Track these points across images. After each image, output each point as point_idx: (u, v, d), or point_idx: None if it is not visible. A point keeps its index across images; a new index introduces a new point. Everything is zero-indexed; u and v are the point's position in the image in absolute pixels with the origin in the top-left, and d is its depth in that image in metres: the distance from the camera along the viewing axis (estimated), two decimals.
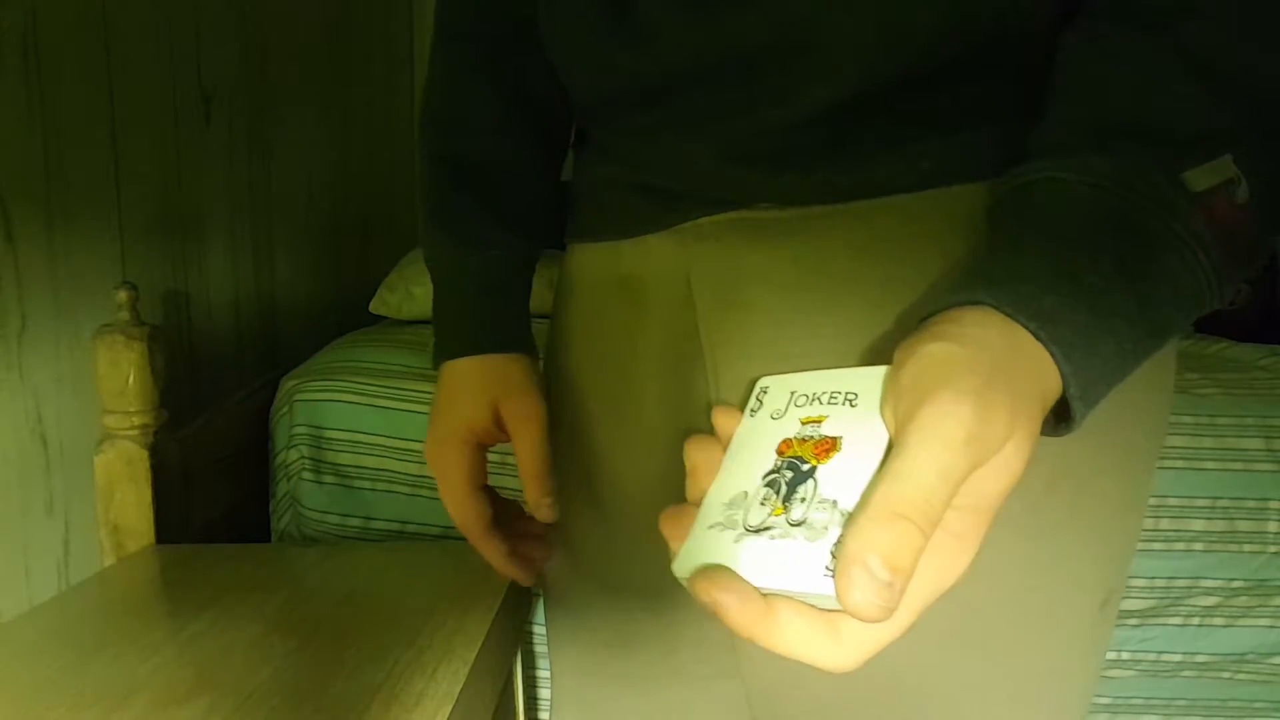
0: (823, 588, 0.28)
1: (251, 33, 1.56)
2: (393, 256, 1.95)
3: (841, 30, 0.42)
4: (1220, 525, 1.15)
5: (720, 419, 0.40)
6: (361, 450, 1.19)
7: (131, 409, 0.89)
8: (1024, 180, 0.36)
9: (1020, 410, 0.30)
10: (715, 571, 0.31)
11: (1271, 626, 1.16)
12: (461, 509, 0.59)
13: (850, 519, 0.29)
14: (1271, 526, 1.15)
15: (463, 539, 1.22)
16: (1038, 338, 0.31)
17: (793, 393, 0.37)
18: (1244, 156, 0.34)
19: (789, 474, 0.33)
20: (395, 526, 1.19)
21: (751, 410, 0.39)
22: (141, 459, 0.89)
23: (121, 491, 0.89)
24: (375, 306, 1.77)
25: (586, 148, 0.60)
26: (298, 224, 1.78)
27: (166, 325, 1.27)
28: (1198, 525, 1.15)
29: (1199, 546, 1.15)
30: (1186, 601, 1.16)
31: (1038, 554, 0.45)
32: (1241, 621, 1.17)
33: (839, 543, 0.29)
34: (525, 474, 0.58)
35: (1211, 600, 1.16)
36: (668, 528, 0.36)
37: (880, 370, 0.34)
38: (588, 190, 0.60)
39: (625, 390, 0.56)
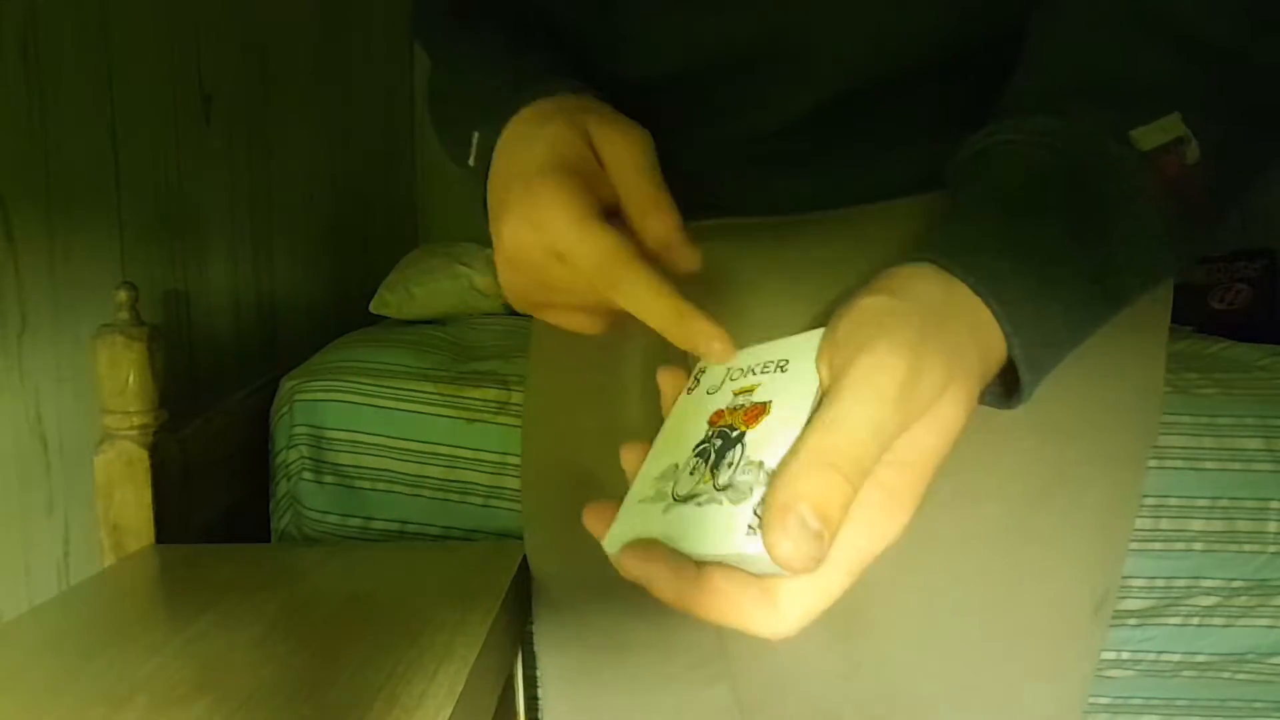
0: (746, 547, 0.28)
1: (251, 33, 1.56)
2: (393, 256, 1.95)
3: (828, 33, 0.42)
4: (1220, 525, 1.15)
5: (663, 376, 0.39)
6: (361, 450, 1.18)
7: (131, 409, 0.89)
8: (977, 148, 0.36)
9: (956, 365, 0.29)
10: (643, 544, 0.30)
11: (1271, 626, 1.16)
12: (590, 244, 0.36)
13: (779, 469, 0.28)
14: (1271, 526, 1.15)
15: (462, 539, 1.21)
16: (976, 291, 0.30)
17: (729, 369, 0.37)
18: (1195, 115, 0.33)
19: (718, 442, 0.33)
20: (395, 526, 1.19)
21: (689, 389, 0.38)
22: (141, 459, 0.89)
23: (121, 491, 0.88)
24: (375, 306, 1.77)
25: None
26: (298, 224, 1.78)
27: (166, 325, 1.27)
28: (1198, 525, 1.15)
29: (1199, 546, 1.15)
30: (1186, 601, 1.16)
31: (1033, 559, 0.45)
32: (1241, 621, 1.17)
33: (766, 495, 0.28)
34: (639, 198, 0.39)
35: (1211, 600, 1.16)
36: (590, 521, 0.34)
37: (812, 335, 0.34)
38: None
39: (610, 395, 0.56)
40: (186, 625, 0.64)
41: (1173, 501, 1.15)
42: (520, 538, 0.71)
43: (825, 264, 0.46)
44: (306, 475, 1.19)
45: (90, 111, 1.09)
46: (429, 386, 1.22)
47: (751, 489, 0.29)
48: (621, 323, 0.41)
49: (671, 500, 0.32)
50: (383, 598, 0.69)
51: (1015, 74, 0.38)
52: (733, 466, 0.31)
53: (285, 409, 1.21)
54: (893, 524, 0.29)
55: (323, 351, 1.37)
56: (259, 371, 1.46)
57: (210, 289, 1.41)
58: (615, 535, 0.33)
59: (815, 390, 0.31)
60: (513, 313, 1.90)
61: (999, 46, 0.42)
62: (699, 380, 0.38)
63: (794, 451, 0.28)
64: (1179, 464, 1.15)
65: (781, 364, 0.34)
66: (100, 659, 0.59)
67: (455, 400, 1.20)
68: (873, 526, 0.29)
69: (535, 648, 0.68)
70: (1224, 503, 1.15)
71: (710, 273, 0.49)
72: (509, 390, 1.21)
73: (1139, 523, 1.10)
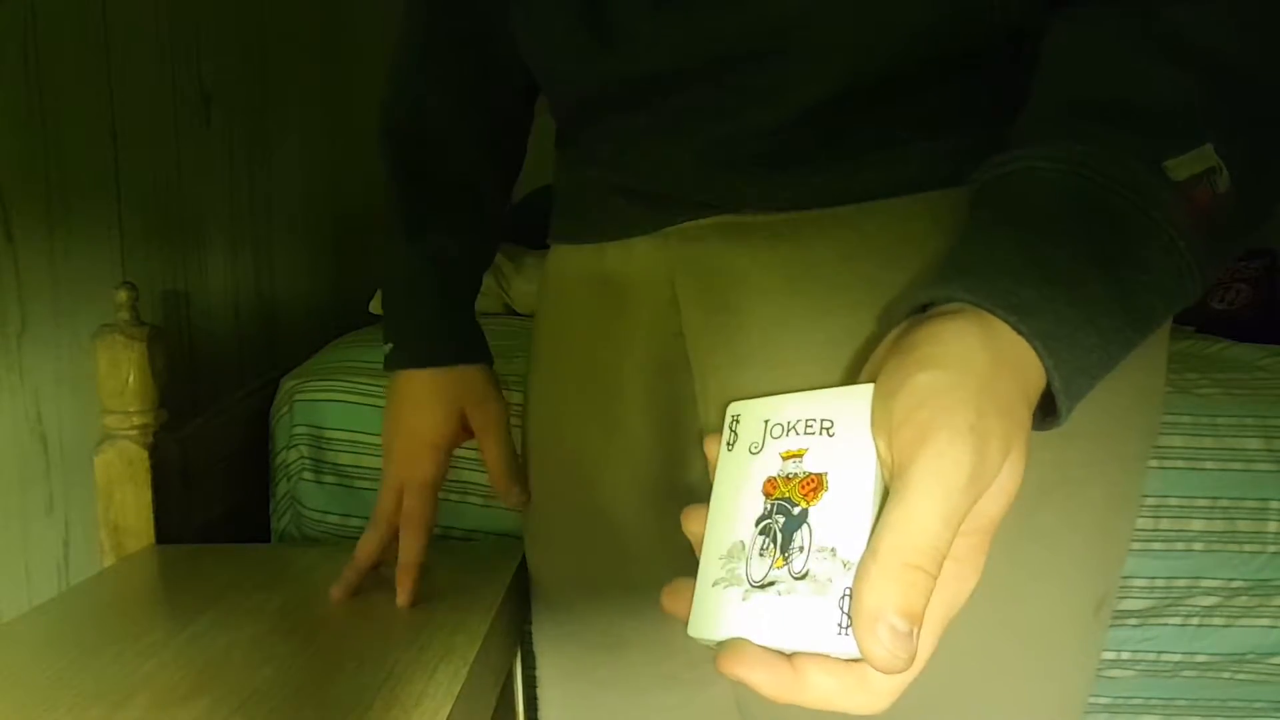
0: (839, 647, 0.29)
1: (251, 33, 1.56)
2: None
3: (825, 30, 0.42)
4: (1220, 525, 1.15)
5: (712, 447, 0.39)
6: (361, 450, 1.18)
7: (131, 409, 0.89)
8: (1002, 170, 0.36)
9: (1013, 431, 0.30)
10: (738, 648, 0.31)
11: (1271, 626, 1.16)
12: (419, 508, 0.65)
13: (860, 572, 0.29)
14: (1271, 526, 1.15)
15: (463, 539, 1.21)
16: (1018, 331, 0.31)
17: (766, 421, 0.36)
18: (1224, 143, 0.33)
19: (781, 519, 0.33)
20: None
21: (728, 444, 0.38)
22: (141, 459, 0.89)
23: (121, 491, 0.88)
24: (375, 306, 1.77)
25: (569, 149, 0.59)
26: (298, 224, 1.78)
27: (166, 325, 1.27)
28: (1198, 525, 1.15)
29: (1199, 546, 1.15)
30: (1186, 601, 1.16)
31: (1032, 560, 0.45)
32: (1241, 621, 1.17)
33: (849, 595, 0.29)
34: (495, 473, 0.66)
35: (1211, 600, 1.16)
36: (669, 603, 0.36)
37: (851, 390, 0.34)
38: (571, 192, 0.59)
39: (609, 393, 0.56)
40: (186, 625, 0.64)
41: (1173, 501, 1.15)
42: (520, 537, 0.71)
43: (825, 262, 0.46)
44: (306, 475, 1.19)
45: (90, 111, 1.10)
46: None
47: (831, 580, 0.30)
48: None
49: (748, 586, 0.33)
50: (383, 597, 0.69)
51: (1034, 90, 0.38)
52: (805, 552, 0.31)
53: (285, 409, 1.21)
54: (965, 586, 0.31)
55: (323, 351, 1.37)
56: (259, 371, 1.47)
57: (210, 289, 1.41)
58: (697, 622, 0.34)
59: (873, 465, 0.31)
60: (513, 312, 1.90)
61: (1003, 45, 0.42)
62: (735, 433, 0.38)
63: (872, 552, 0.29)
64: (1179, 464, 1.15)
65: (826, 426, 0.34)
66: (100, 659, 0.59)
67: None
68: (948, 593, 0.30)
69: (534, 647, 0.68)
70: (1224, 503, 1.15)
71: (708, 271, 0.50)
72: (509, 390, 1.21)
73: (1139, 523, 1.10)
